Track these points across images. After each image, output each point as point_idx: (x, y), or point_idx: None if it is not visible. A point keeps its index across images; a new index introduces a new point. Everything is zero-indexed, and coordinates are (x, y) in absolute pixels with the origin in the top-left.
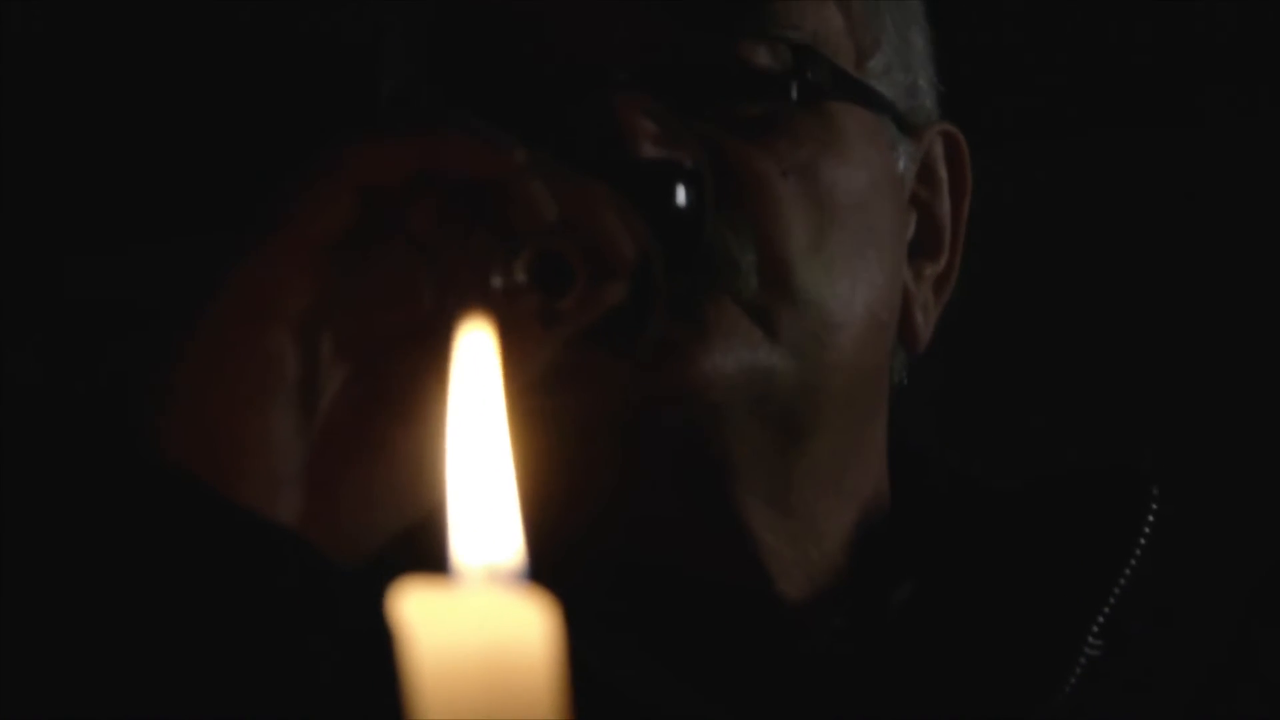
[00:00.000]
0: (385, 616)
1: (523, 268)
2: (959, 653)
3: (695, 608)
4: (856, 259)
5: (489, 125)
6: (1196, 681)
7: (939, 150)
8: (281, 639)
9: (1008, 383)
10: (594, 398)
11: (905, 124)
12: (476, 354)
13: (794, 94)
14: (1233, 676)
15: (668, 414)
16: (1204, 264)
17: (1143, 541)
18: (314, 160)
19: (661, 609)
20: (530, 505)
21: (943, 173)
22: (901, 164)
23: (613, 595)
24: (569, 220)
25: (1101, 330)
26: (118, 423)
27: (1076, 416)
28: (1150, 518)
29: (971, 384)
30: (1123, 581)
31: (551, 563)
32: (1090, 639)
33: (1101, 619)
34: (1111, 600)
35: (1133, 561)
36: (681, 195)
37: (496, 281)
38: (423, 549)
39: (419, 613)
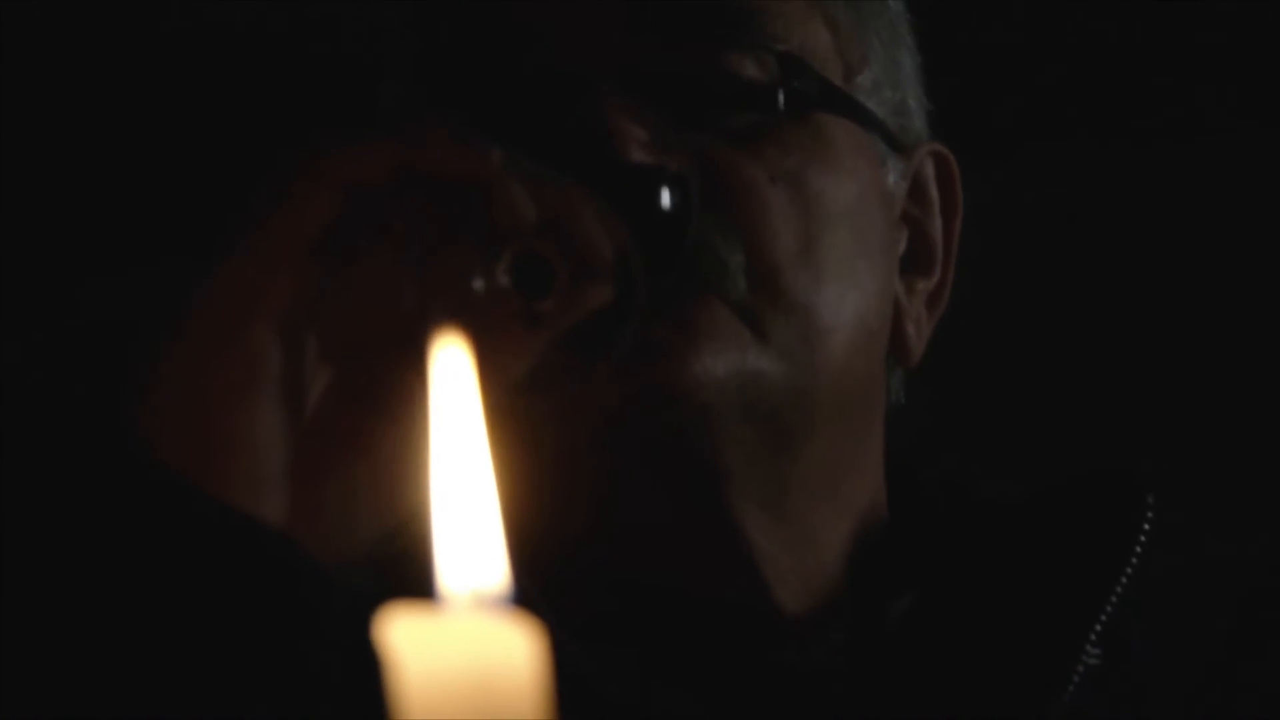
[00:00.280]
0: (371, 623)
1: (504, 269)
2: (958, 664)
3: (691, 619)
4: (845, 266)
5: (468, 126)
6: (1194, 689)
7: (929, 170)
8: (268, 639)
9: (1001, 394)
10: (576, 400)
11: (894, 141)
12: (454, 371)
13: (781, 103)
14: (1229, 683)
15: (657, 417)
16: (1196, 274)
17: (1139, 549)
18: (295, 158)
19: (657, 620)
20: (519, 516)
21: (934, 192)
22: (891, 179)
23: (607, 607)
24: (549, 221)
25: (1095, 341)
26: (104, 419)
27: (1071, 427)
28: (1146, 526)
29: (965, 396)
30: (1119, 589)
31: (544, 575)
32: (1088, 647)
33: (1099, 627)
34: (1109, 608)
35: (1129, 569)
36: (666, 198)
37: (478, 283)
38: (408, 575)
39: (405, 638)
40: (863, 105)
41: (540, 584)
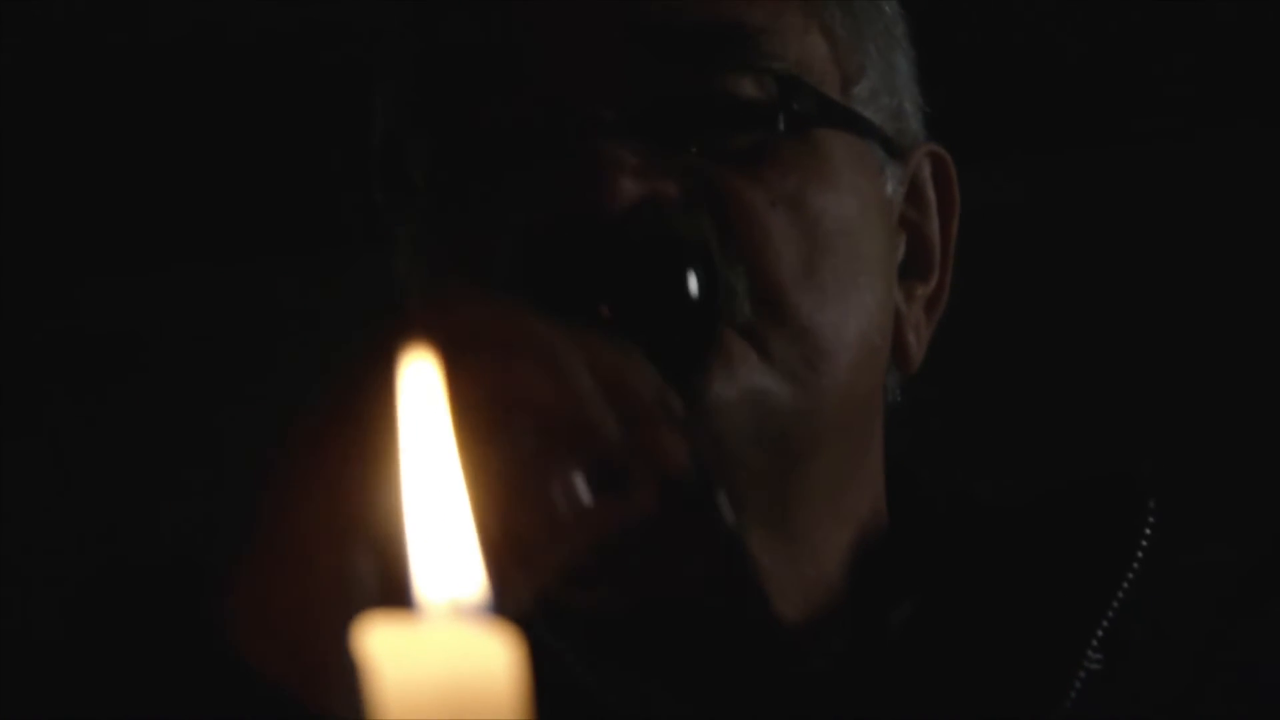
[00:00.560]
0: None
1: (579, 479)
2: (959, 670)
3: (692, 630)
4: (848, 286)
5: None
6: (1196, 692)
7: (926, 171)
8: None
9: (1001, 397)
10: None
11: (892, 147)
12: (424, 383)
13: (781, 125)
14: (1229, 684)
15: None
16: (1194, 277)
17: (1140, 554)
18: (378, 364)
19: (656, 631)
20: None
21: (930, 193)
22: (890, 188)
23: (610, 617)
24: (606, 389)
25: (1096, 343)
26: (192, 607)
27: (1071, 431)
28: (1148, 530)
29: (965, 399)
30: (1121, 594)
31: (544, 587)
32: (1090, 652)
33: (1101, 632)
34: (1111, 613)
35: (1131, 574)
36: (693, 283)
37: (557, 493)
38: (388, 584)
39: (384, 647)
40: (861, 116)
41: (540, 597)
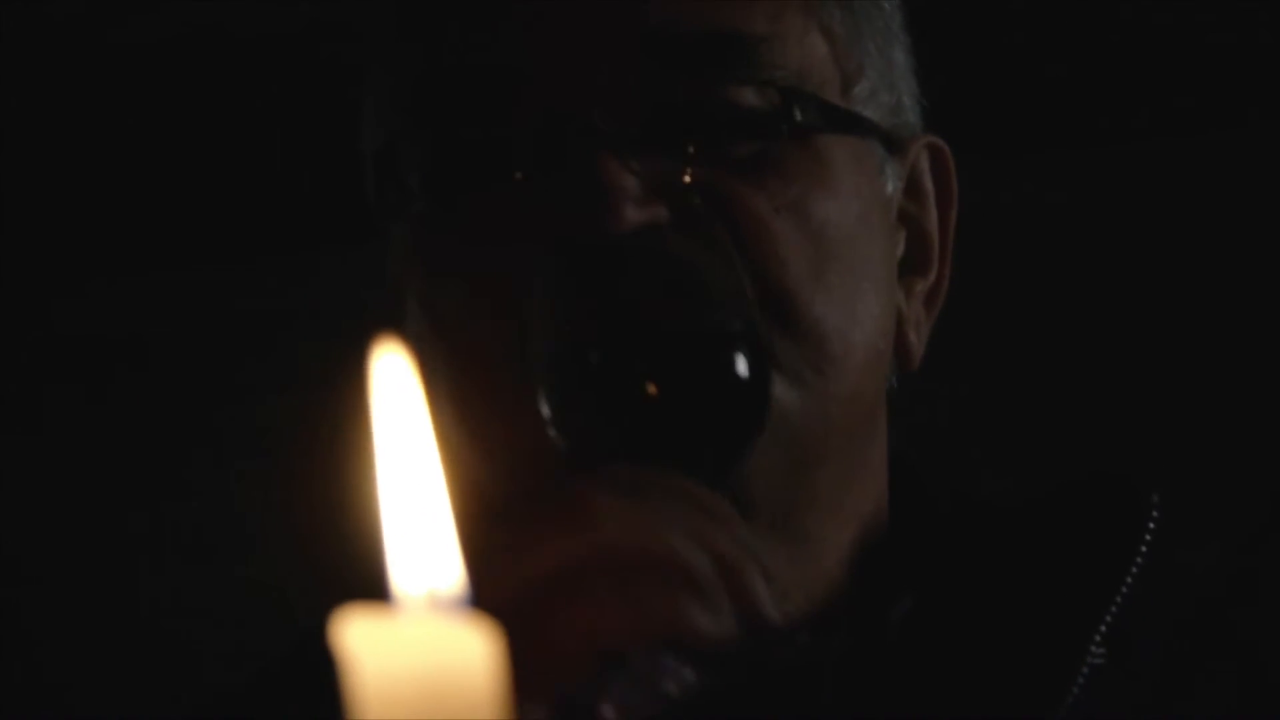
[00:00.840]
0: None
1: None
2: (961, 665)
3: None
4: (852, 291)
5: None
6: (1200, 687)
7: (924, 163)
8: None
9: (1000, 396)
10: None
11: (891, 143)
12: (397, 376)
13: (783, 133)
14: (1231, 679)
15: None
16: (1196, 275)
17: (1144, 549)
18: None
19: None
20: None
21: (929, 185)
22: (889, 185)
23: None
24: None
25: (1098, 340)
26: None
27: (1074, 427)
28: (1151, 526)
29: (965, 398)
30: (1125, 589)
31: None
32: (1093, 648)
33: (1104, 627)
34: (1114, 608)
35: (1134, 569)
36: (742, 364)
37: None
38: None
39: (361, 640)
40: (862, 117)
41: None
